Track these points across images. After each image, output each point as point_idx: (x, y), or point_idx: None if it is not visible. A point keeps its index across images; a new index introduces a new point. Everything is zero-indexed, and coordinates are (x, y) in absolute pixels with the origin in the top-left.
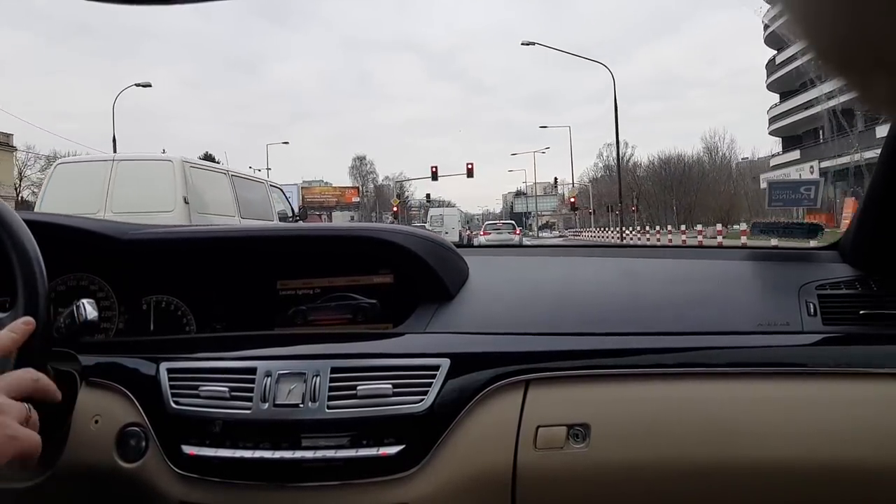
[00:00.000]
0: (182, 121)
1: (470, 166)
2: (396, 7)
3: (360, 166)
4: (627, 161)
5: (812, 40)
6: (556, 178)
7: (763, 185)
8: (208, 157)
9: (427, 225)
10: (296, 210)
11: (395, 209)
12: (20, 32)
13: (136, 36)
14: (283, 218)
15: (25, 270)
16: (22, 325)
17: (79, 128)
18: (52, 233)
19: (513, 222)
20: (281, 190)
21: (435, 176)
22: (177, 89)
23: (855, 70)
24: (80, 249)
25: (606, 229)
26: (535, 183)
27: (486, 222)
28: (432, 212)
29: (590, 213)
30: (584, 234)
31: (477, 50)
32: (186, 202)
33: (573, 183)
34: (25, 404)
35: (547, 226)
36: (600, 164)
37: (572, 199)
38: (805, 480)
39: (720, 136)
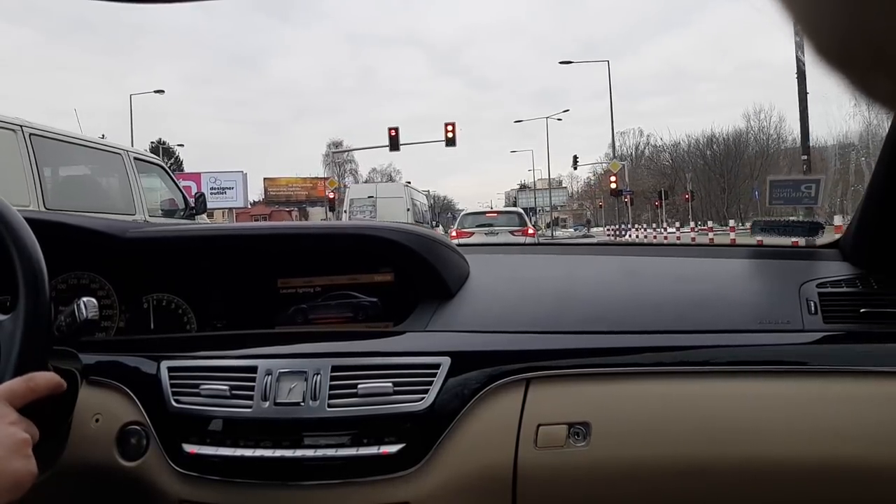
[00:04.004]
0: (183, 118)
1: (450, 129)
2: (401, 2)
3: (336, 154)
4: (642, 151)
5: (812, 37)
6: (575, 157)
7: None
8: (157, 150)
9: (345, 213)
10: (190, 202)
11: (331, 197)
12: (19, 29)
13: (136, 32)
14: (169, 212)
15: (27, 269)
16: (46, 381)
17: (85, 126)
18: (54, 231)
19: (519, 211)
20: (164, 169)
21: (395, 143)
22: (177, 86)
23: (855, 67)
24: (81, 248)
25: (670, 227)
26: (548, 161)
27: (464, 213)
28: (353, 192)
29: (625, 202)
30: (634, 233)
31: (482, 45)
32: None
33: (613, 151)
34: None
35: (557, 222)
36: (611, 158)
37: (612, 180)
38: (806, 478)
39: (766, 112)
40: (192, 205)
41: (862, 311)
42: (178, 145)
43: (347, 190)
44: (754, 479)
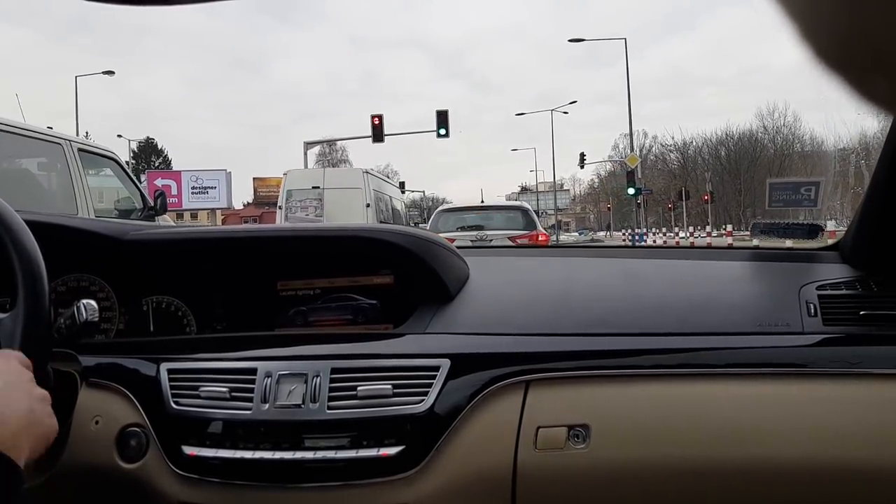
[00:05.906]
0: (185, 121)
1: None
2: (404, 4)
3: (330, 153)
4: (647, 153)
5: (811, 39)
6: (582, 155)
7: None
8: (147, 147)
9: (279, 209)
10: (149, 200)
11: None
12: (19, 30)
13: (137, 34)
14: (125, 212)
15: (26, 271)
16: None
17: (83, 127)
18: (53, 233)
19: (523, 206)
20: (118, 162)
21: (379, 133)
22: (178, 89)
23: (853, 68)
24: (81, 250)
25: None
26: (553, 156)
27: (441, 209)
28: (291, 180)
29: (642, 202)
30: (656, 239)
31: (485, 49)
32: None
33: (631, 142)
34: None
35: (560, 226)
36: (616, 158)
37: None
38: (805, 481)
39: (780, 112)
40: (152, 204)
41: (861, 313)
42: (149, 139)
43: (284, 177)
44: (753, 480)
